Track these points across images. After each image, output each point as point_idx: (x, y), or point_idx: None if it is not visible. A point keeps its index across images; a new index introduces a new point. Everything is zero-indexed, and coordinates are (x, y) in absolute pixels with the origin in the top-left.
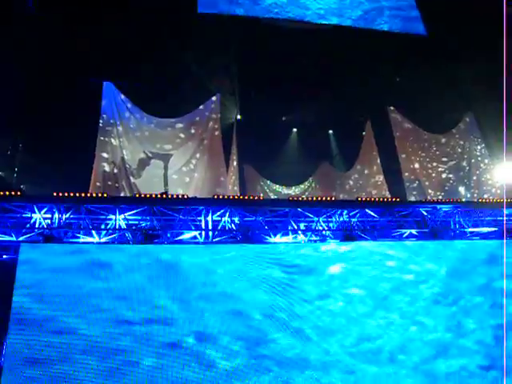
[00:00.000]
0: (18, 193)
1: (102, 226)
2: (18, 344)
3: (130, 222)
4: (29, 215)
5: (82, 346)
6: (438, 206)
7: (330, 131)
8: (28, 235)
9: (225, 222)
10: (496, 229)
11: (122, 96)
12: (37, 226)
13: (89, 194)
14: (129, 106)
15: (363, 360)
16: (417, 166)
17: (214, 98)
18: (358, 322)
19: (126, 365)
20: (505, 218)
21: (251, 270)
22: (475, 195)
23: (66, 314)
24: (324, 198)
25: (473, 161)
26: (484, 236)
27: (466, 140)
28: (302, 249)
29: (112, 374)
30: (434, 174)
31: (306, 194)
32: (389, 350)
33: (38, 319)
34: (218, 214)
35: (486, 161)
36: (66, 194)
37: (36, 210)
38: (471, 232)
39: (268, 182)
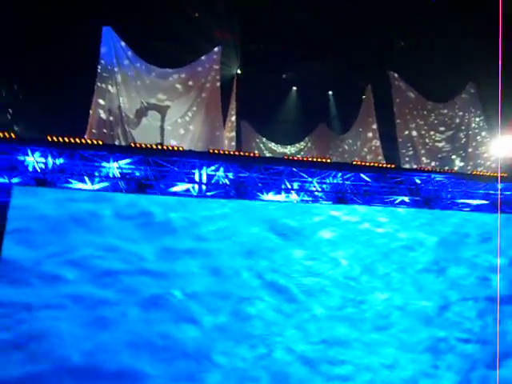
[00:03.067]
0: (12, 134)
1: (96, 173)
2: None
3: (124, 171)
4: (22, 158)
5: (69, 294)
6: (432, 176)
7: (330, 92)
8: (21, 178)
9: (219, 176)
10: (487, 202)
11: (123, 43)
12: (30, 169)
13: (83, 140)
14: (129, 53)
15: (345, 323)
16: (414, 133)
17: (215, 49)
18: (343, 285)
19: (112, 315)
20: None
21: (241, 228)
22: (469, 167)
23: (54, 262)
24: (319, 160)
25: (470, 133)
26: (474, 208)
27: (465, 111)
28: (294, 210)
29: (98, 323)
30: (430, 143)
31: (302, 153)
32: (371, 316)
33: (26, 264)
34: (213, 168)
35: (484, 133)
36: (61, 139)
37: (29, 152)
38: (462, 203)
39: (264, 139)
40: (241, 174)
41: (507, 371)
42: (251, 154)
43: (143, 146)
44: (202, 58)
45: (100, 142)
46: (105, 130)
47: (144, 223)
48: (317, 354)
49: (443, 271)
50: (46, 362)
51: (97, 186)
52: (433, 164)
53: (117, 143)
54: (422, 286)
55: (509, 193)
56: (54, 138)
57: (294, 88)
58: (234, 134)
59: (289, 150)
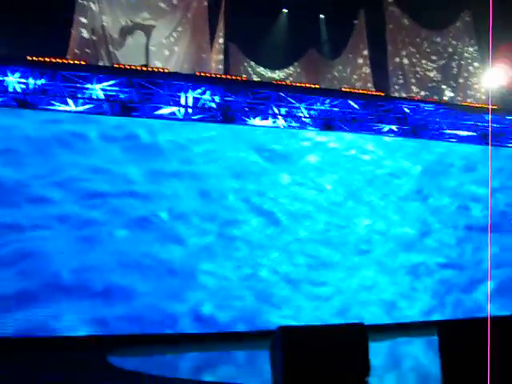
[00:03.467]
0: None
1: (79, 95)
2: None
3: (108, 93)
4: (1, 78)
5: (56, 215)
6: (421, 105)
7: (322, 16)
8: (1, 99)
9: (205, 100)
10: (475, 133)
11: None
12: (10, 90)
13: (66, 61)
14: None
15: (328, 247)
16: (405, 61)
17: None
18: (327, 210)
19: (99, 235)
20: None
21: (228, 151)
22: (459, 98)
23: (41, 183)
24: (308, 85)
25: (462, 63)
26: (462, 139)
27: (459, 40)
28: (281, 135)
29: (86, 242)
30: (421, 72)
31: (291, 79)
32: (353, 240)
33: (12, 185)
34: (199, 91)
35: (476, 64)
36: (42, 59)
37: (9, 73)
38: (449, 134)
39: (252, 63)
40: (227, 98)
41: (480, 295)
42: (239, 78)
43: (127, 67)
44: None
45: (83, 63)
46: (88, 50)
47: (130, 146)
48: (300, 275)
49: (426, 199)
50: (36, 279)
51: (80, 108)
52: (422, 93)
53: (101, 64)
54: (404, 212)
55: (497, 125)
56: (35, 58)
57: (285, 10)
58: (221, 56)
59: (277, 74)
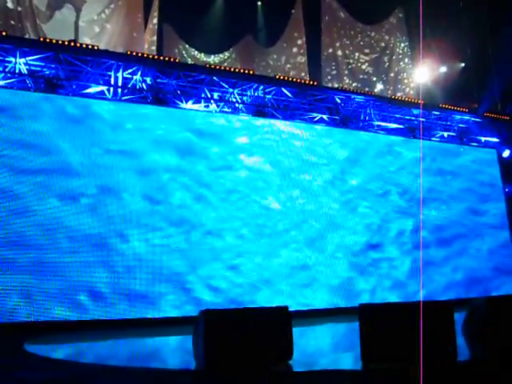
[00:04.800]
0: None
1: (0, 68)
2: None
3: (32, 68)
4: None
5: None
6: (352, 96)
7: (259, 3)
8: None
9: (136, 80)
10: (402, 126)
11: None
12: None
13: None
14: None
15: (255, 231)
16: (339, 52)
17: None
18: (258, 193)
19: (26, 211)
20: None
21: (160, 131)
22: (389, 92)
23: None
24: (242, 71)
25: (394, 57)
26: (390, 131)
27: (391, 35)
28: (214, 118)
29: (14, 216)
30: (353, 64)
31: (225, 64)
32: (283, 223)
33: None
34: (130, 71)
35: (406, 60)
36: None
37: None
38: (378, 126)
39: (187, 46)
40: (159, 80)
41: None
42: (172, 59)
43: (54, 41)
44: None
45: (4, 33)
46: (12, 22)
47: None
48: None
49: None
50: None
51: (1, 83)
52: (354, 85)
53: (26, 37)
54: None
55: (424, 119)
56: None
57: None
58: (155, 37)
59: (212, 59)
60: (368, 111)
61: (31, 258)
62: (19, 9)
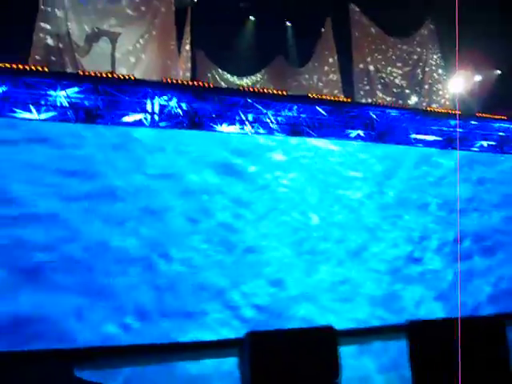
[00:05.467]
0: None
1: (42, 102)
2: None
3: (73, 100)
4: None
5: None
6: (387, 110)
7: (289, 23)
8: None
9: (172, 106)
10: (440, 138)
11: None
12: None
13: (28, 67)
14: None
15: (295, 247)
16: (371, 67)
17: None
18: (296, 209)
19: (74, 235)
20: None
21: (197, 152)
22: (424, 104)
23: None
24: (275, 92)
25: (427, 69)
26: (428, 144)
27: (423, 48)
28: (249, 139)
29: (62, 241)
30: (386, 79)
31: (258, 86)
32: (323, 238)
33: None
34: (166, 98)
35: (440, 71)
36: (2, 65)
37: None
38: (415, 139)
39: (219, 70)
40: (194, 105)
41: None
42: (206, 84)
43: (92, 73)
44: None
45: (46, 69)
46: (53, 58)
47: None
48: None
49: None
50: None
51: (43, 116)
52: (388, 99)
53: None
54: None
55: (461, 130)
56: None
57: (252, 18)
58: (188, 63)
59: (245, 81)
60: (404, 125)
61: (80, 281)
62: (60, 45)
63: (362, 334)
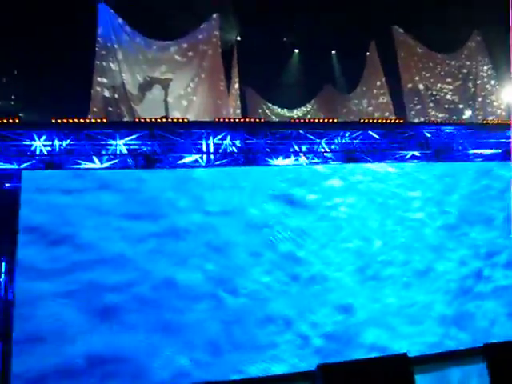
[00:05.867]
0: (16, 120)
1: (103, 152)
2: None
3: (131, 147)
4: (28, 143)
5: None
6: (442, 128)
7: (333, 52)
8: (29, 163)
9: (226, 145)
10: (500, 151)
11: (120, 20)
12: (37, 153)
13: (88, 120)
14: (127, 29)
15: (361, 272)
16: (420, 86)
17: (214, 16)
18: (358, 234)
19: (142, 275)
20: None
21: (255, 186)
22: (479, 117)
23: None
24: (326, 120)
25: (478, 82)
26: (487, 158)
27: (472, 61)
28: (305, 169)
29: (133, 282)
30: (437, 96)
31: (308, 116)
32: (389, 261)
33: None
34: (219, 137)
35: (492, 82)
36: (65, 121)
37: (35, 137)
38: (474, 154)
39: (269, 104)
40: (248, 141)
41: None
42: (257, 120)
43: (147, 120)
44: (201, 26)
45: (104, 120)
46: (110, 108)
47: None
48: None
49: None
50: None
51: (105, 165)
52: (441, 116)
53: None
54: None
55: None
56: (59, 121)
57: (296, 50)
58: (238, 102)
59: (295, 113)
60: (460, 140)
61: (150, 319)
62: (116, 96)
63: (436, 360)
